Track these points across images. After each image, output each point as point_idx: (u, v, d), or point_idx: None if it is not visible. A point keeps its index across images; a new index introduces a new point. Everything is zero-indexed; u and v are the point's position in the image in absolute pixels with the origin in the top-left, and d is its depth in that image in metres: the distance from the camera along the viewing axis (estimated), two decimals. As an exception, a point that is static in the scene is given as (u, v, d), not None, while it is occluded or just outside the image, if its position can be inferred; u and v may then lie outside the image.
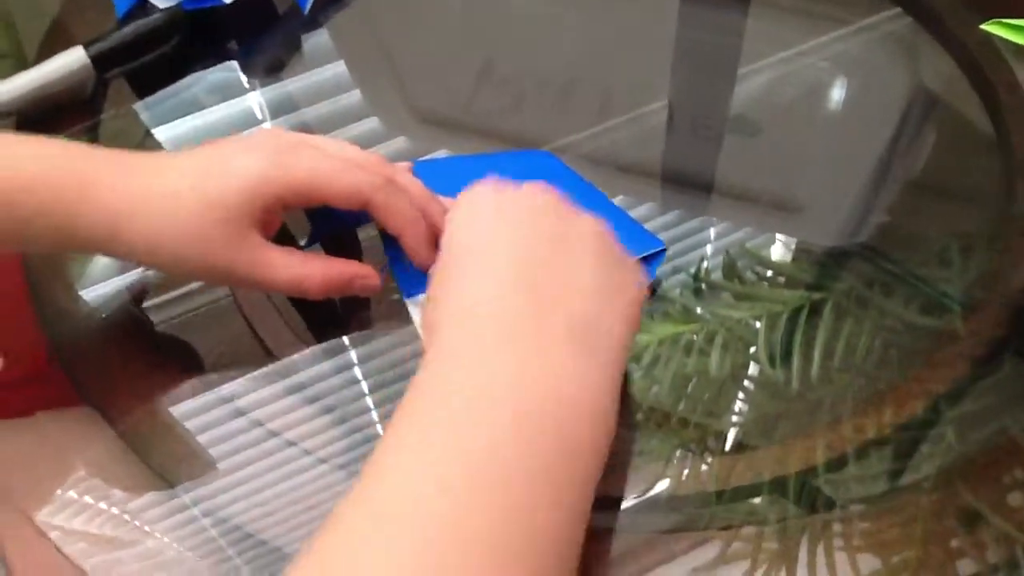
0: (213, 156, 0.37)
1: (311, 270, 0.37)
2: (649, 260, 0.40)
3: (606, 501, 0.35)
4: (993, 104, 0.46)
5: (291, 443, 0.38)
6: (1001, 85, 0.47)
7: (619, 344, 0.31)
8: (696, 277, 0.42)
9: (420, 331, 0.38)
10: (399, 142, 0.48)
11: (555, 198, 0.34)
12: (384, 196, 0.37)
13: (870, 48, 0.51)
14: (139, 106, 0.50)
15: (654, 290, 0.41)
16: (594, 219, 0.34)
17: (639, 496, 0.36)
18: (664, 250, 0.40)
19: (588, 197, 0.43)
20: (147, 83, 0.51)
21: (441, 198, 0.41)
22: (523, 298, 0.30)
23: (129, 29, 0.50)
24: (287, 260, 0.37)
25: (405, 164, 0.43)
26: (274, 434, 0.39)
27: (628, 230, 0.41)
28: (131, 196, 0.36)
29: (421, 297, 0.39)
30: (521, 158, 0.45)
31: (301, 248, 0.42)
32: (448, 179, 0.43)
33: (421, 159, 0.45)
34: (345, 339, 0.42)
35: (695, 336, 0.40)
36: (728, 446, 0.37)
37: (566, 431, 0.28)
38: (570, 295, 0.31)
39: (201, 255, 0.36)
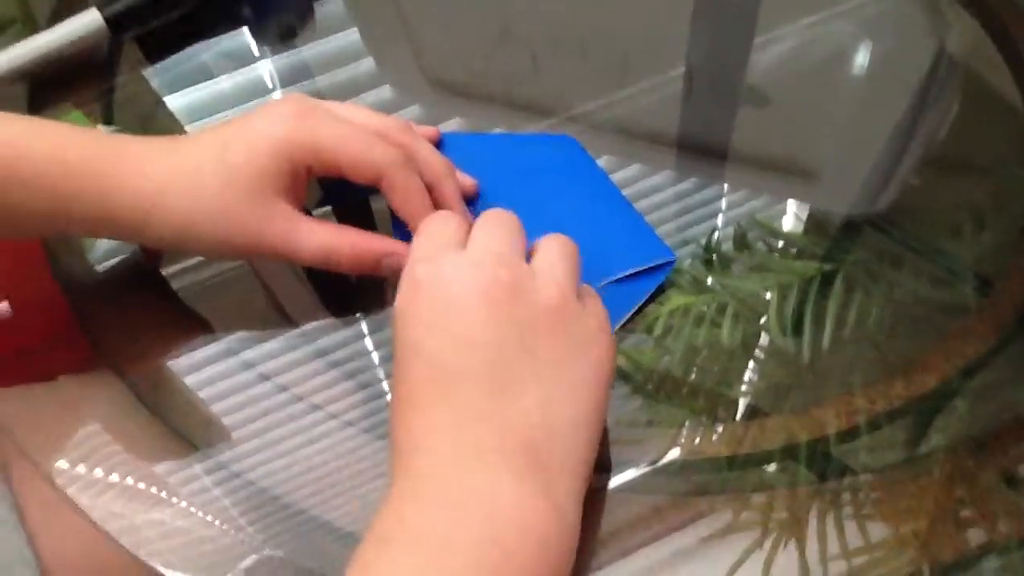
0: (235, 125, 0.37)
1: (341, 242, 0.36)
2: (656, 268, 0.40)
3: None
4: (1018, 68, 0.46)
5: (316, 407, 0.38)
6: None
7: (582, 443, 0.31)
8: (707, 248, 0.42)
9: None
10: (413, 110, 0.47)
11: (503, 261, 0.32)
12: (399, 176, 0.37)
13: (895, 11, 0.50)
14: (150, 71, 0.50)
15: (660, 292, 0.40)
16: (550, 281, 0.32)
17: (651, 464, 0.36)
18: (673, 261, 0.40)
19: (603, 194, 0.43)
20: (159, 47, 0.51)
21: (461, 175, 0.41)
22: (480, 428, 0.29)
23: (143, -9, 0.49)
24: (317, 230, 0.36)
25: (430, 131, 0.43)
26: (296, 398, 0.39)
27: (639, 236, 0.41)
28: (158, 180, 0.35)
29: None
30: (545, 143, 0.45)
31: (309, 211, 0.42)
32: (472, 156, 0.42)
33: (448, 132, 0.44)
34: (362, 303, 0.41)
35: (706, 307, 0.40)
36: (739, 416, 0.37)
37: (513, 564, 0.27)
38: (525, 412, 0.30)
39: (228, 231, 0.35)
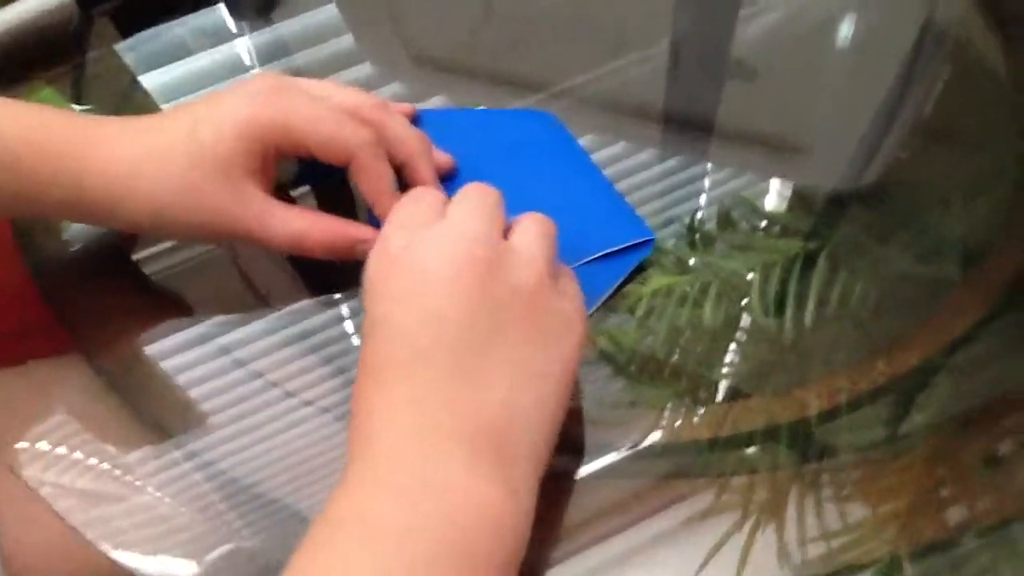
0: (207, 103, 0.36)
1: (313, 227, 0.36)
2: (635, 247, 0.39)
3: (567, 447, 0.35)
4: (1007, 39, 0.45)
5: (289, 394, 0.38)
6: (1017, 20, 0.45)
7: (544, 429, 0.30)
8: (690, 228, 0.42)
9: None
10: (394, 87, 0.47)
11: (481, 238, 0.31)
12: (367, 159, 0.36)
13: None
14: (122, 47, 0.49)
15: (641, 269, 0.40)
16: (528, 262, 0.31)
17: (632, 446, 0.36)
18: (652, 240, 0.40)
19: (582, 171, 0.42)
20: (132, 22, 0.50)
21: (437, 152, 0.40)
22: (440, 411, 0.29)
23: (113, -35, 0.49)
24: (290, 215, 0.36)
25: (406, 108, 0.42)
26: (271, 384, 0.38)
27: (617, 215, 0.41)
28: (130, 162, 0.35)
29: None
30: (523, 119, 0.44)
31: (287, 190, 0.41)
32: (449, 133, 0.42)
33: (425, 109, 0.44)
34: (340, 287, 0.41)
35: (689, 287, 0.40)
36: (721, 396, 0.37)
37: (467, 548, 0.27)
38: (488, 396, 0.29)
39: (199, 212, 0.35)
